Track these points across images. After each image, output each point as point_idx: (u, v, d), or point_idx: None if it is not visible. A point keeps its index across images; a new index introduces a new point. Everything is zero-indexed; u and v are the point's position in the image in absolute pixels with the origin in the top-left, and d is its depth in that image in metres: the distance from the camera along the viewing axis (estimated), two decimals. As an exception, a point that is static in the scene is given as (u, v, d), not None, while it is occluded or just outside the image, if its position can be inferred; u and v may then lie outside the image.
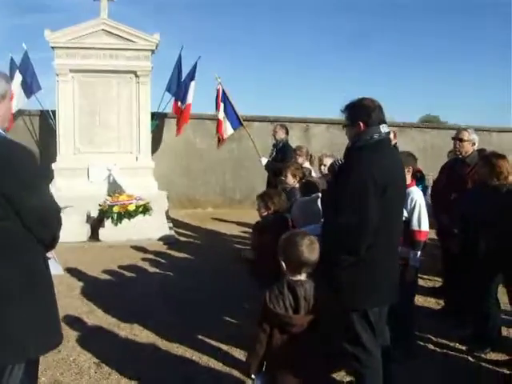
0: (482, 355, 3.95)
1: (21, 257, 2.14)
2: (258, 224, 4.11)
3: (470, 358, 3.94)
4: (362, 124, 2.69)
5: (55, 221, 2.27)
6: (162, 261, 6.52)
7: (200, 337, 4.14)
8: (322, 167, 5.52)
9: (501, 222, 3.78)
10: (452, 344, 4.15)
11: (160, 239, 7.53)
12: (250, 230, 8.77)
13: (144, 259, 6.50)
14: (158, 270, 6.09)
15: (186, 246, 7.46)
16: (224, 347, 3.97)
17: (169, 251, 7.04)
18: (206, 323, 4.42)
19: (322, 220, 3.49)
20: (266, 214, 3.93)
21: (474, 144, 4.50)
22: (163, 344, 4.00)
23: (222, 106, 7.16)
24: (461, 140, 4.47)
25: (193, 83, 9.15)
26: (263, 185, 11.13)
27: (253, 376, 2.41)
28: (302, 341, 2.24)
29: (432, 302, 5.07)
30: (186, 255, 6.89)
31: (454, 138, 4.59)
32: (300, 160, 6.29)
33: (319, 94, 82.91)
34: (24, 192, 2.08)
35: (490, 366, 3.78)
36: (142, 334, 4.17)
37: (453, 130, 12.44)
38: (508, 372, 3.65)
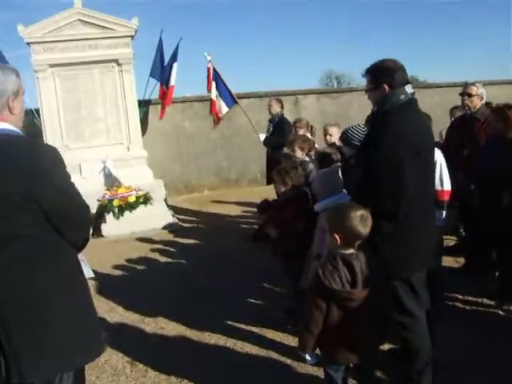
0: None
1: (57, 263, 2.03)
2: (276, 201, 4.00)
3: (501, 312, 3.95)
4: (386, 86, 2.58)
5: (87, 221, 2.16)
6: (172, 249, 6.41)
7: (229, 322, 4.07)
8: (328, 137, 5.38)
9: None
10: (480, 300, 4.15)
11: (164, 228, 7.41)
12: (253, 209, 8.82)
13: (153, 250, 6.38)
14: (169, 260, 5.99)
15: (191, 231, 7.35)
16: (255, 330, 3.91)
17: (176, 239, 6.93)
18: (231, 308, 4.35)
19: (344, 190, 3.42)
20: (283, 189, 3.83)
21: (482, 98, 4.42)
22: (193, 334, 3.92)
23: (213, 84, 6.96)
24: (469, 95, 4.38)
25: (175, 65, 8.91)
26: (258, 161, 11.06)
27: (307, 356, 2.35)
28: (360, 314, 2.18)
29: (450, 261, 5.04)
30: (194, 241, 6.79)
31: (462, 94, 4.49)
32: (301, 132, 6.14)
33: (303, 66, 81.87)
34: (57, 196, 1.96)
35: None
36: (168, 327, 4.08)
37: (433, 88, 12.53)
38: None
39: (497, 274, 4.43)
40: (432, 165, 2.75)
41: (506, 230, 4.05)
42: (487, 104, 4.65)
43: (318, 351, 2.50)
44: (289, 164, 4.22)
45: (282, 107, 7.34)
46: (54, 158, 2.01)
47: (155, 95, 9.47)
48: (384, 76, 2.59)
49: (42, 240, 1.97)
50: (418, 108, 2.69)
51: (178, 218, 8.02)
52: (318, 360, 2.44)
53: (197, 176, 10.53)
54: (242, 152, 10.96)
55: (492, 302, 4.09)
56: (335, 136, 5.46)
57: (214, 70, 6.97)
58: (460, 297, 4.22)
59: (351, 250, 2.27)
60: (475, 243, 4.59)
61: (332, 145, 5.30)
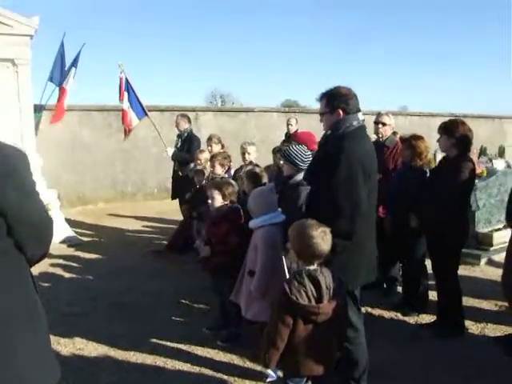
0: (416, 318, 4.38)
1: (18, 283, 1.82)
2: (210, 216, 3.99)
3: (409, 321, 4.34)
4: (341, 111, 2.76)
5: (51, 235, 1.97)
6: (74, 264, 6.01)
7: (154, 340, 3.94)
8: (246, 155, 5.52)
9: (425, 199, 4.17)
10: (387, 311, 4.52)
11: (63, 242, 6.90)
12: (152, 224, 8.64)
13: (53, 265, 5.91)
14: (74, 275, 5.61)
15: (92, 246, 6.96)
16: (183, 347, 3.83)
17: (77, 253, 6.51)
18: (153, 325, 4.22)
19: (279, 209, 3.54)
20: (217, 205, 3.84)
21: (392, 128, 4.88)
22: (118, 354, 3.72)
23: (125, 95, 6.72)
24: (384, 124, 4.82)
25: (73, 70, 8.45)
26: (155, 175, 10.89)
27: (271, 372, 2.38)
28: (326, 328, 2.27)
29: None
30: (97, 256, 6.44)
31: (376, 122, 4.92)
32: (216, 148, 6.20)
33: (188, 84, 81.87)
34: (23, 204, 1.76)
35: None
36: (88, 348, 3.83)
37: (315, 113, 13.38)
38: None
39: (400, 288, 4.88)
40: (377, 186, 2.97)
41: (410, 249, 4.50)
42: (394, 133, 5.13)
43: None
44: (226, 180, 4.24)
45: (190, 122, 7.36)
46: (22, 158, 1.83)
47: (53, 101, 8.86)
48: (339, 102, 2.77)
49: (3, 256, 1.77)
50: (367, 134, 2.91)
51: (74, 232, 7.53)
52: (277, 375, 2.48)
53: (92, 187, 10.01)
54: (140, 165, 10.70)
55: (398, 313, 4.49)
56: (253, 155, 5.64)
57: (127, 80, 6.75)
58: (369, 309, 4.55)
59: (313, 267, 2.36)
60: (385, 262, 4.97)
61: (250, 163, 5.46)
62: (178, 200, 7.36)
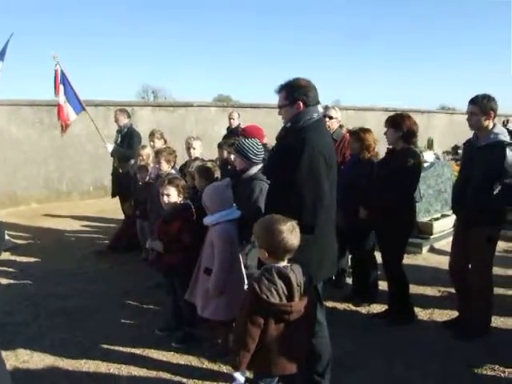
0: (368, 308, 4.48)
1: None
2: (161, 214, 3.84)
3: (362, 311, 4.42)
4: (301, 104, 2.72)
5: (2, 241, 1.79)
6: (10, 270, 5.61)
7: (105, 346, 3.74)
8: (192, 150, 5.38)
9: (373, 191, 4.25)
10: (339, 303, 4.58)
11: (-6, 246, 6.41)
12: (90, 223, 8.26)
13: (-14, 271, 5.50)
14: (11, 281, 5.23)
15: (28, 248, 6.54)
16: (137, 351, 3.66)
17: (12, 258, 6.07)
18: (102, 330, 4.02)
19: (234, 205, 3.47)
20: (172, 201, 3.70)
21: (339, 121, 4.93)
22: (67, 364, 3.49)
23: (61, 88, 6.32)
24: (330, 117, 4.85)
25: (0, 64, 7.87)
26: (91, 173, 10.44)
27: (239, 375, 2.31)
28: (298, 325, 2.22)
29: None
30: (34, 259, 6.05)
31: (323, 116, 4.93)
32: (158, 144, 6.00)
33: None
34: None
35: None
36: (34, 360, 3.56)
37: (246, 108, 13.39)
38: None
39: (348, 279, 4.97)
40: (336, 178, 2.96)
41: (359, 241, 4.59)
42: (340, 126, 5.19)
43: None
44: (178, 177, 4.10)
45: (129, 117, 7.09)
46: None
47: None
48: (299, 94, 2.72)
49: None
50: (326, 126, 2.90)
51: (7, 234, 7.03)
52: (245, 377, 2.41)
53: (24, 187, 9.42)
54: (75, 163, 10.22)
55: (350, 304, 4.56)
56: (198, 150, 5.50)
57: (62, 72, 6.36)
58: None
59: (282, 263, 2.31)
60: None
61: (196, 158, 5.33)
62: (118, 198, 7.09)
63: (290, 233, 2.26)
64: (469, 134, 3.87)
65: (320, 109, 2.79)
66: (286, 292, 2.21)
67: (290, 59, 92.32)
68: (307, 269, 2.63)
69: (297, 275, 2.27)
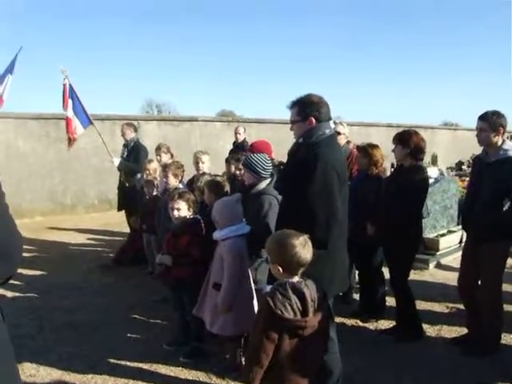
0: (375, 324, 4.45)
1: None
2: (171, 228, 3.85)
3: (369, 327, 4.39)
4: (313, 119, 2.75)
5: (20, 253, 1.78)
6: (16, 282, 5.58)
7: (112, 360, 3.72)
8: (200, 164, 5.41)
9: (381, 207, 4.25)
10: (347, 318, 4.55)
11: (0, 258, 6.41)
12: (95, 236, 8.27)
13: (-8, 284, 5.47)
14: (17, 294, 5.22)
15: (33, 261, 6.52)
16: (144, 366, 3.64)
17: (18, 270, 6.02)
18: (109, 344, 4.00)
19: (244, 219, 3.47)
20: (181, 215, 3.71)
21: (347, 137, 4.95)
22: (74, 378, 3.48)
23: (70, 102, 6.38)
24: (338, 133, 4.86)
25: (10, 77, 7.95)
26: (96, 186, 10.47)
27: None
28: (311, 341, 2.21)
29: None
30: (40, 272, 6.04)
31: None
32: (165, 158, 6.04)
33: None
34: None
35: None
36: (41, 373, 3.54)
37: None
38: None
39: (355, 295, 4.95)
40: (348, 194, 2.97)
41: (367, 257, 4.58)
42: (348, 142, 5.22)
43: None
44: (187, 191, 4.11)
45: (136, 131, 7.14)
46: None
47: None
48: (311, 109, 2.75)
49: None
50: (338, 142, 2.92)
51: (12, 247, 7.03)
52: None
53: (28, 199, 9.45)
54: (80, 176, 10.26)
55: (357, 320, 4.53)
56: (206, 164, 5.53)
57: (71, 86, 6.42)
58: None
59: (296, 278, 2.30)
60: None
61: (204, 173, 5.34)
62: (123, 211, 7.10)
63: (303, 247, 2.26)
64: (473, 149, 3.89)
65: (332, 125, 2.81)
66: (300, 307, 2.20)
67: (291, 75, 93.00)
68: (319, 284, 2.64)
69: (311, 290, 2.26)
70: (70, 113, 6.41)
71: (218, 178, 4.12)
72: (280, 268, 2.27)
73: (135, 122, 11.15)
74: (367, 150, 4.56)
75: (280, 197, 3.23)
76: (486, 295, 3.73)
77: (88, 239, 8.07)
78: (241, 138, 8.08)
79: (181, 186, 5.00)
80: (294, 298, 2.20)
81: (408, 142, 4.03)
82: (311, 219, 2.60)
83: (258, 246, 3.32)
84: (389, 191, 4.21)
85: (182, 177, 5.24)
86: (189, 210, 3.72)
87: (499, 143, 3.59)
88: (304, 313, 2.21)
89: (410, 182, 3.99)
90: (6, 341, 1.73)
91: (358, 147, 4.85)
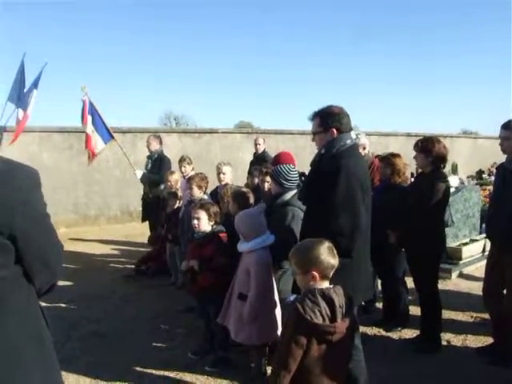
0: (399, 333, 4.43)
1: (27, 314, 1.70)
2: (195, 238, 3.91)
3: (393, 336, 4.38)
4: (335, 130, 2.80)
5: (61, 262, 1.86)
6: (42, 293, 5.71)
7: (138, 368, 3.78)
8: (222, 176, 5.49)
9: (403, 215, 4.25)
10: (369, 327, 4.54)
11: (27, 269, 6.55)
12: (118, 247, 8.40)
13: (20, 295, 5.60)
14: (43, 304, 5.24)
15: (59, 272, 6.64)
16: (170, 374, 3.69)
17: (44, 281, 6.18)
18: (135, 353, 4.06)
19: (268, 231, 3.52)
20: (207, 226, 3.78)
21: (364, 148, 4.98)
22: (101, 385, 3.55)
23: (89, 118, 6.53)
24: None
25: (35, 92, 8.18)
26: (118, 198, 10.64)
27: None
28: (339, 347, 2.24)
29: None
30: (65, 282, 6.13)
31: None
32: (188, 169, 6.14)
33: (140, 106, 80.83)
34: (35, 230, 1.66)
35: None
36: (69, 381, 3.61)
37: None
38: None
39: (377, 304, 4.93)
40: (371, 203, 3.00)
41: (390, 266, 4.57)
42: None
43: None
44: (210, 202, 4.18)
45: (161, 143, 7.27)
46: (33, 183, 1.74)
47: (13, 122, 8.51)
48: (333, 121, 2.80)
49: (12, 285, 1.65)
50: (360, 152, 2.96)
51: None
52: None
53: (53, 212, 9.39)
54: (103, 188, 10.45)
55: (380, 329, 4.52)
56: (228, 175, 5.61)
57: (91, 103, 6.58)
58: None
59: (325, 284, 2.34)
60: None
61: (226, 184, 5.42)
62: (147, 222, 7.22)
63: (328, 254, 2.30)
64: (492, 158, 3.88)
65: (353, 135, 2.86)
66: (328, 313, 2.24)
67: (305, 85, 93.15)
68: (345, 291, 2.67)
69: (339, 297, 2.29)
70: (89, 129, 6.55)
71: (244, 189, 4.18)
72: (316, 273, 2.29)
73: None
74: (389, 160, 4.58)
75: (304, 207, 3.28)
76: (512, 304, 3.70)
77: (111, 249, 8.20)
78: (261, 149, 8.14)
79: (205, 197, 5.08)
80: (323, 304, 2.23)
81: (431, 150, 4.03)
82: (335, 228, 2.64)
83: (281, 256, 3.37)
84: (411, 199, 4.22)
85: (206, 188, 5.32)
86: (210, 220, 3.77)
87: (523, 151, 3.58)
88: (332, 319, 2.24)
89: (430, 188, 3.99)
90: (51, 343, 1.81)
91: (378, 157, 4.87)
